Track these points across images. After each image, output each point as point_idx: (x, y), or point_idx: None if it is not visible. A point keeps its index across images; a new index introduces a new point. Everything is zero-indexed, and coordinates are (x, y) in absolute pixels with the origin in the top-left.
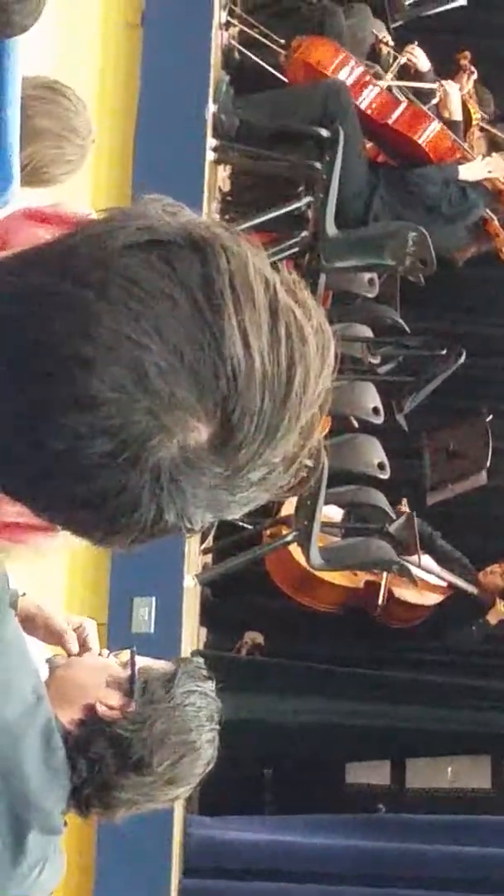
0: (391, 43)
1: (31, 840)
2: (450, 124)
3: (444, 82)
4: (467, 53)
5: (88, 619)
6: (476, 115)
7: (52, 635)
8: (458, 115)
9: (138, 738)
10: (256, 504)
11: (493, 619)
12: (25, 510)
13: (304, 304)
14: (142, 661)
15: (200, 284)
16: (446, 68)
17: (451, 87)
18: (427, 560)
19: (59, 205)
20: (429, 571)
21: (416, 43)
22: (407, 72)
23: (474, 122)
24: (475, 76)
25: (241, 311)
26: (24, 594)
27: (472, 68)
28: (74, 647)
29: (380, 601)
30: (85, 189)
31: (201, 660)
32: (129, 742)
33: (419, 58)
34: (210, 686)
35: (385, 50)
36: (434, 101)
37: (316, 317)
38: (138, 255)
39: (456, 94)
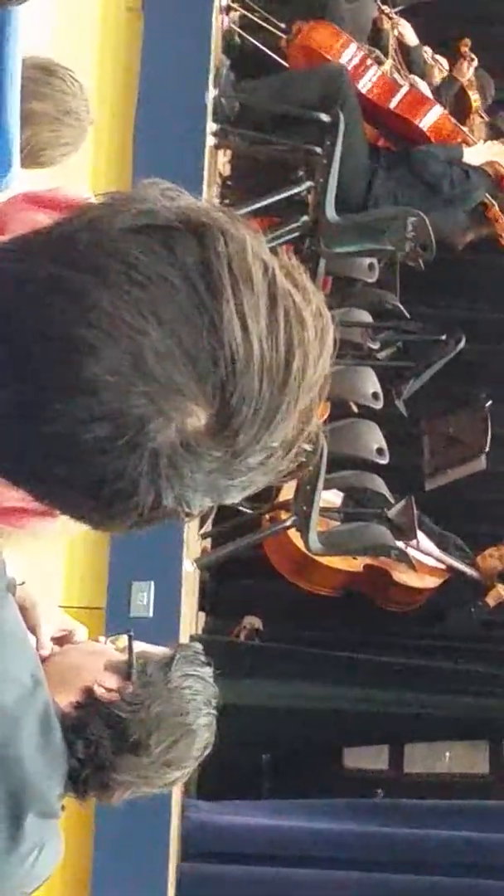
0: (393, 16)
1: (28, 824)
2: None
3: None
4: (467, 41)
5: (81, 627)
6: (476, 102)
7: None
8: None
9: (135, 719)
10: (256, 488)
11: (491, 601)
12: (25, 495)
13: (302, 288)
14: (140, 647)
15: (199, 269)
16: (443, 52)
17: (403, 27)
18: (426, 543)
19: (59, 189)
20: (428, 554)
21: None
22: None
23: (474, 109)
24: (475, 63)
25: (239, 296)
26: (22, 583)
27: (473, 56)
28: (44, 653)
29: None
30: (85, 174)
31: (200, 646)
32: (126, 723)
33: (406, 32)
34: (208, 671)
35: (387, 24)
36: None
37: (315, 301)
38: (137, 240)
39: (424, 86)
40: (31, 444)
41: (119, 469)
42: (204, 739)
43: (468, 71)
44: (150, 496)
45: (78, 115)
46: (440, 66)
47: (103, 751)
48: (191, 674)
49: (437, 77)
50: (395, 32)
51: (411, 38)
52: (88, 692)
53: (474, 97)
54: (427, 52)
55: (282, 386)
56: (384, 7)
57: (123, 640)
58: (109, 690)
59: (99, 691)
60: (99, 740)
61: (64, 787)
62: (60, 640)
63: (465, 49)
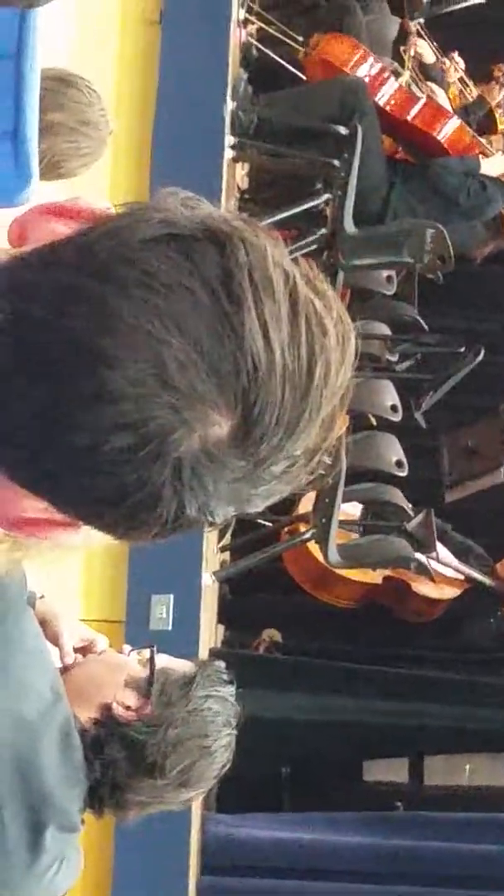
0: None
1: (48, 837)
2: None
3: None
4: (503, 66)
5: (102, 637)
6: (502, 125)
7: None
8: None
9: (152, 741)
10: (279, 497)
11: None
12: (47, 506)
13: (323, 295)
14: (162, 660)
15: (220, 277)
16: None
17: (421, 47)
18: (445, 554)
19: (78, 199)
20: (446, 565)
21: (434, 41)
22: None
23: (500, 130)
24: None
25: (260, 304)
26: (42, 596)
27: None
28: (67, 661)
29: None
30: (103, 187)
31: (222, 664)
32: (142, 745)
33: (424, 50)
34: (229, 690)
35: (414, 29)
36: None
37: (336, 308)
38: (157, 249)
39: (442, 95)
40: (52, 453)
41: (142, 479)
42: (222, 760)
43: (499, 95)
44: (174, 506)
45: (96, 125)
46: (456, 67)
47: (119, 772)
48: (211, 694)
49: (454, 86)
50: (413, 50)
51: (428, 56)
52: (107, 710)
53: (500, 120)
54: (456, 61)
55: (304, 394)
56: (409, 21)
57: (147, 652)
58: (127, 709)
59: (117, 710)
60: (115, 761)
61: (83, 802)
62: (82, 651)
63: (498, 74)
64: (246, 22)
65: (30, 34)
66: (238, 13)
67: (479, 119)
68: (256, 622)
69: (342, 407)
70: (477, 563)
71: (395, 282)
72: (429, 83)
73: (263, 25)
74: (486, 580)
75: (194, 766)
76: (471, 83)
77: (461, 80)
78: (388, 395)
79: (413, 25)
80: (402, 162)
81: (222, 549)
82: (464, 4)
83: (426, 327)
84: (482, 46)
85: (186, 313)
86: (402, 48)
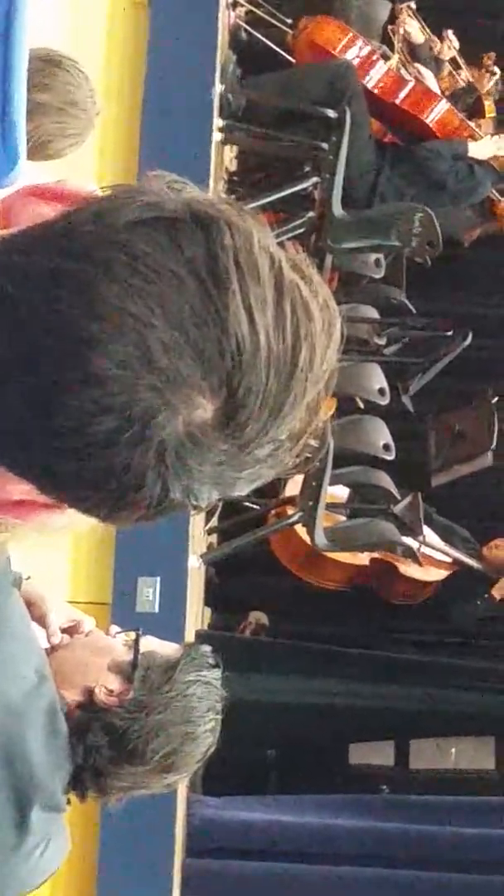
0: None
1: (34, 817)
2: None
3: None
4: (493, 55)
5: (89, 618)
6: (491, 112)
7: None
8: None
9: (134, 727)
10: (263, 481)
11: (497, 593)
12: (32, 488)
13: (309, 280)
14: (149, 643)
15: (205, 260)
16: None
17: (410, 25)
18: (432, 536)
19: (64, 182)
20: (434, 548)
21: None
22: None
23: (487, 116)
24: (497, 77)
25: (245, 288)
26: (28, 578)
27: (496, 70)
28: (54, 641)
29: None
30: (91, 169)
31: (208, 647)
32: (124, 731)
33: (412, 30)
34: (215, 674)
35: (405, 12)
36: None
37: (322, 293)
38: (142, 232)
39: (430, 76)
40: (38, 436)
41: (126, 461)
42: (205, 745)
43: (488, 83)
44: (158, 488)
45: (83, 106)
46: (450, 45)
47: (101, 758)
48: (196, 679)
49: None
50: (402, 30)
51: (417, 36)
52: (90, 694)
53: (489, 108)
54: (450, 40)
55: (289, 378)
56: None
57: (133, 636)
58: (110, 694)
59: (100, 695)
60: (97, 747)
61: (67, 784)
62: (69, 631)
63: (488, 62)
64: (235, 4)
65: (17, 15)
66: None
67: (469, 103)
68: (243, 605)
69: (327, 391)
70: (463, 546)
71: (384, 265)
72: (416, 65)
73: (252, 8)
74: (473, 563)
75: (177, 751)
76: (463, 65)
77: (453, 60)
78: (376, 379)
79: (404, 8)
80: (391, 145)
81: (209, 532)
82: None
83: (414, 311)
84: (471, 33)
85: (171, 296)
86: (390, 27)
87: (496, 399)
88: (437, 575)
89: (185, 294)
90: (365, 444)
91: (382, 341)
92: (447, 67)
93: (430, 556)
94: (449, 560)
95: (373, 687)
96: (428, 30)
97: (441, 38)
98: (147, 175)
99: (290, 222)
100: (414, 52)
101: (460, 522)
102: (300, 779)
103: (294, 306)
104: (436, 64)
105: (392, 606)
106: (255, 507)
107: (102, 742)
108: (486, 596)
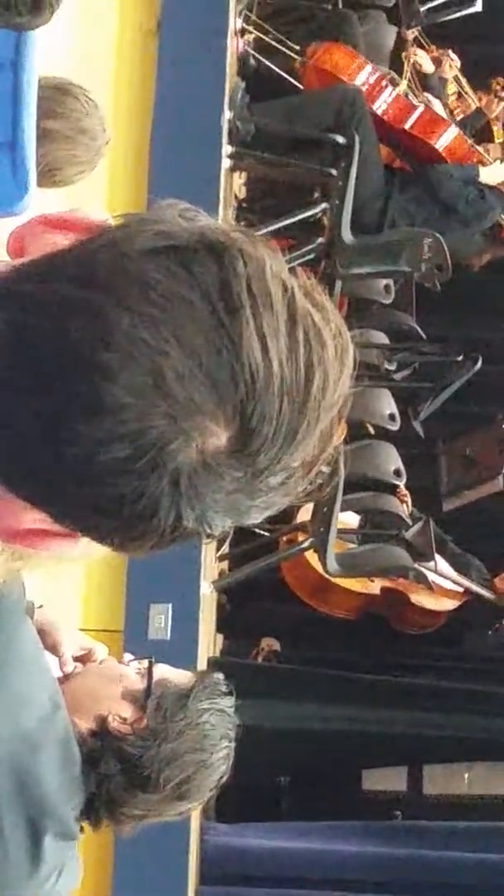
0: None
1: (47, 845)
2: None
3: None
4: (501, 79)
5: (101, 645)
6: (500, 138)
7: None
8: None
9: (148, 756)
10: (276, 509)
11: None
12: (45, 517)
13: (322, 307)
14: (162, 671)
15: (218, 289)
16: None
17: (420, 56)
18: (443, 565)
19: (77, 211)
20: (445, 577)
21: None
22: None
23: (497, 141)
24: None
25: (258, 316)
26: (40, 606)
27: None
28: (67, 669)
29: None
30: (100, 196)
31: (220, 675)
32: (137, 759)
33: (423, 59)
34: (228, 702)
35: (411, 37)
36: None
37: (334, 320)
38: (155, 261)
39: (438, 105)
40: (51, 465)
41: (140, 489)
42: (219, 773)
43: (497, 108)
44: (171, 516)
45: (93, 134)
46: (451, 65)
47: (114, 787)
48: (208, 708)
49: (451, 84)
50: (412, 60)
51: (427, 66)
52: (103, 721)
53: (498, 134)
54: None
55: (302, 406)
56: (406, 30)
57: (146, 664)
58: (124, 722)
59: (113, 723)
60: (110, 776)
61: (80, 812)
62: (81, 660)
63: (497, 87)
64: (243, 31)
65: (27, 44)
66: (235, 23)
67: (477, 128)
68: (255, 631)
69: (340, 419)
70: (477, 576)
71: (393, 291)
72: (426, 94)
73: (261, 35)
74: (485, 593)
75: (190, 779)
76: (466, 85)
77: (456, 78)
78: (386, 404)
79: (410, 34)
80: (400, 170)
81: (221, 559)
82: (460, 14)
83: (424, 336)
84: (479, 57)
85: (185, 325)
86: (403, 54)
87: None
88: (448, 605)
89: (199, 322)
90: (376, 469)
91: (392, 366)
92: (452, 87)
93: (442, 586)
94: (460, 590)
95: (385, 712)
96: (436, 50)
97: (443, 55)
98: (159, 203)
99: (300, 248)
100: (424, 82)
101: (471, 547)
102: (313, 805)
103: (307, 334)
104: (440, 83)
105: (403, 634)
106: (266, 533)
107: (115, 770)
108: (497, 626)
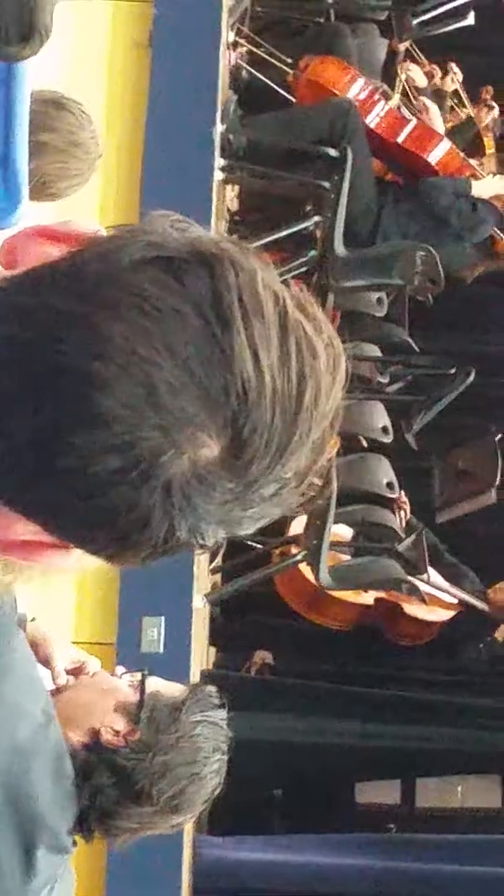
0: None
1: (40, 858)
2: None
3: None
4: (490, 88)
5: (94, 658)
6: (490, 148)
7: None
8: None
9: (140, 768)
10: (269, 519)
11: (500, 636)
12: (38, 528)
13: (314, 318)
14: (154, 684)
15: (209, 300)
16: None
17: (413, 71)
18: (436, 577)
19: (69, 222)
20: (438, 588)
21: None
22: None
23: (488, 153)
24: (496, 112)
25: (250, 327)
26: (33, 619)
27: (494, 104)
28: (60, 682)
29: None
30: (92, 209)
31: (213, 688)
32: (130, 772)
33: (415, 74)
34: (220, 715)
35: (403, 50)
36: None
37: (326, 331)
38: (147, 272)
39: (436, 111)
40: (44, 477)
41: (132, 501)
42: (211, 786)
43: (486, 118)
44: (164, 528)
45: (86, 147)
46: (454, 79)
47: (107, 800)
48: (201, 720)
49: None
50: (404, 76)
51: (420, 80)
52: (96, 734)
53: (489, 144)
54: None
55: (294, 417)
56: (398, 44)
57: (139, 677)
58: (116, 734)
59: (105, 736)
60: (103, 789)
61: (73, 825)
62: (74, 672)
63: (486, 96)
64: (235, 45)
65: None
66: (227, 36)
67: (468, 141)
68: (248, 644)
69: (333, 430)
70: (471, 587)
71: (386, 303)
72: (422, 98)
73: (253, 48)
74: (478, 604)
75: (183, 792)
76: (466, 100)
77: (456, 92)
78: (379, 417)
79: (402, 47)
80: (393, 183)
81: (213, 571)
82: (451, 27)
83: (416, 349)
84: (470, 69)
85: (176, 336)
86: (397, 67)
87: (500, 436)
88: (442, 615)
89: (190, 333)
90: (369, 482)
91: (385, 379)
92: (449, 101)
93: (436, 596)
94: (454, 601)
95: (379, 726)
96: (427, 62)
97: (444, 71)
98: (151, 214)
99: (293, 261)
100: (418, 93)
101: (464, 559)
102: (306, 818)
103: (299, 345)
104: (437, 98)
105: (397, 646)
106: (259, 546)
107: (108, 783)
108: (489, 639)
